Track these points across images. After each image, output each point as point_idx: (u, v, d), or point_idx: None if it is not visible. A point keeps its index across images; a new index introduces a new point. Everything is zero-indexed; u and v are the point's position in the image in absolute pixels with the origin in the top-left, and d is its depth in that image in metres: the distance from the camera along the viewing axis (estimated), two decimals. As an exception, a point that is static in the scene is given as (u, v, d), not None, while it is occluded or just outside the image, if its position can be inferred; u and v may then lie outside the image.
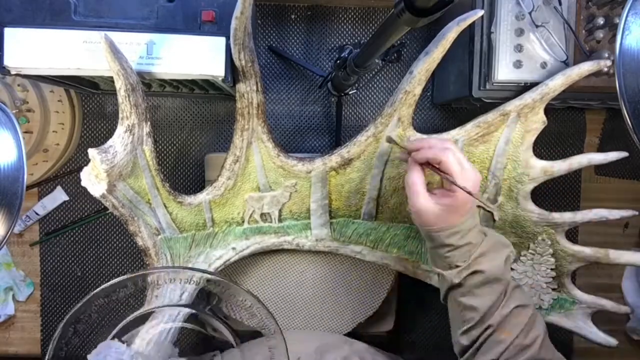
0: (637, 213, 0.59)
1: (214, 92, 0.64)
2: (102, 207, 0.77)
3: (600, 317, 0.64)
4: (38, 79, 0.57)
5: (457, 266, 0.49)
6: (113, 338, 0.51)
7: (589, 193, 0.81)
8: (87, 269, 0.79)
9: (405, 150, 0.53)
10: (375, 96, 0.78)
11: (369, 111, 0.79)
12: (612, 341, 0.63)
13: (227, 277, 0.69)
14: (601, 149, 0.80)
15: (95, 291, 0.48)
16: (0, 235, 0.49)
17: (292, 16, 0.76)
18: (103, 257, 0.78)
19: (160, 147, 0.77)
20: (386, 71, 0.78)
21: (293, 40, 0.76)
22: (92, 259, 0.78)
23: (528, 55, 0.60)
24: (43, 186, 0.77)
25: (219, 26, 0.51)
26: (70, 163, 0.77)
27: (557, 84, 0.55)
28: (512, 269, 0.64)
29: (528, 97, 0.56)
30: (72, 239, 0.78)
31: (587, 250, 0.61)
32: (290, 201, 0.62)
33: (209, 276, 0.54)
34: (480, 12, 0.50)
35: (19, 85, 0.67)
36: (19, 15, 0.50)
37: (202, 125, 0.77)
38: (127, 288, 0.50)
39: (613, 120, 0.80)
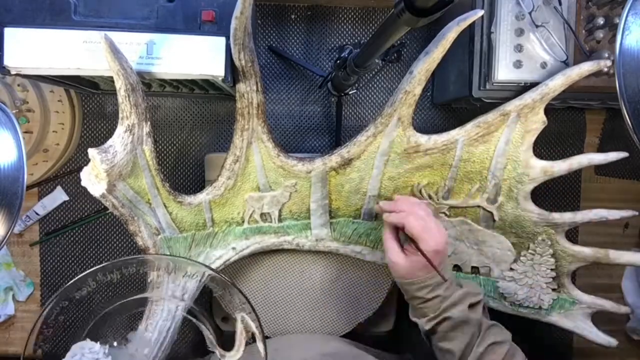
0: (637, 213, 0.59)
1: (214, 92, 0.64)
2: (102, 207, 0.77)
3: (600, 317, 0.64)
4: (38, 79, 0.57)
5: (428, 315, 0.53)
6: (85, 338, 0.51)
7: (589, 193, 0.81)
8: (87, 269, 0.78)
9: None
10: (375, 96, 0.78)
11: (369, 111, 0.79)
12: (612, 341, 0.63)
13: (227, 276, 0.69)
14: (601, 149, 0.80)
15: (58, 292, 0.49)
16: (0, 235, 0.49)
17: (292, 16, 0.76)
18: (103, 257, 0.78)
19: (160, 147, 0.77)
20: (386, 71, 0.78)
21: (293, 40, 0.76)
22: (92, 259, 0.78)
23: (528, 55, 0.59)
24: (43, 186, 0.77)
25: (219, 26, 0.51)
26: (70, 163, 0.77)
27: (557, 84, 0.55)
28: (512, 268, 0.64)
29: (528, 97, 0.56)
30: (72, 239, 0.78)
31: (587, 251, 0.61)
32: (290, 201, 0.62)
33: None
34: (480, 12, 0.50)
35: (19, 85, 0.67)
36: (19, 15, 0.50)
37: (202, 125, 0.77)
38: (88, 285, 0.51)
39: (613, 120, 0.80)
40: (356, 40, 0.77)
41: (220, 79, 0.51)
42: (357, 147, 0.58)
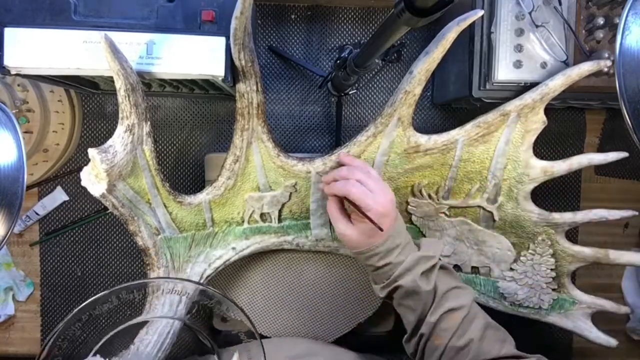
0: (637, 213, 0.59)
1: (214, 92, 0.64)
2: (102, 207, 0.77)
3: (600, 317, 0.64)
4: (38, 79, 0.57)
5: (381, 283, 0.53)
6: (95, 354, 0.51)
7: (589, 193, 0.81)
8: (87, 269, 0.79)
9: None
10: (375, 96, 0.78)
11: (369, 111, 0.79)
12: (612, 341, 0.63)
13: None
14: (601, 149, 0.80)
15: (78, 308, 0.48)
16: (0, 235, 0.49)
17: (292, 16, 0.76)
18: (103, 257, 0.78)
19: (160, 147, 0.77)
20: (386, 71, 0.78)
21: (293, 40, 0.76)
22: (92, 259, 0.78)
23: (528, 55, 0.60)
24: (43, 186, 0.77)
25: (219, 26, 0.51)
26: (70, 163, 0.77)
27: (557, 84, 0.55)
28: (512, 268, 0.64)
29: (528, 97, 0.56)
30: (72, 239, 0.78)
31: (587, 251, 0.61)
32: (290, 201, 0.62)
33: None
34: (480, 12, 0.50)
35: (19, 85, 0.67)
36: (19, 15, 0.50)
37: (202, 125, 0.77)
38: (110, 302, 0.50)
39: (613, 120, 0.80)
40: (356, 40, 0.77)
41: (220, 79, 0.51)
42: (357, 147, 0.58)
